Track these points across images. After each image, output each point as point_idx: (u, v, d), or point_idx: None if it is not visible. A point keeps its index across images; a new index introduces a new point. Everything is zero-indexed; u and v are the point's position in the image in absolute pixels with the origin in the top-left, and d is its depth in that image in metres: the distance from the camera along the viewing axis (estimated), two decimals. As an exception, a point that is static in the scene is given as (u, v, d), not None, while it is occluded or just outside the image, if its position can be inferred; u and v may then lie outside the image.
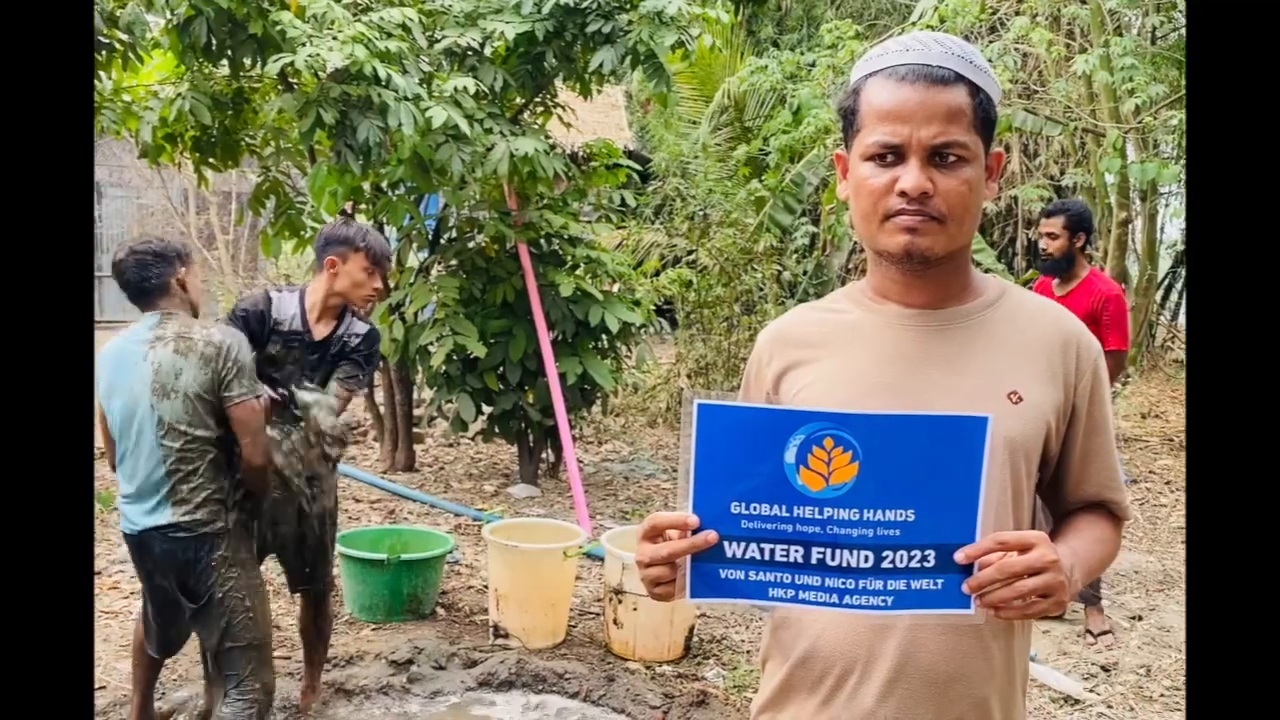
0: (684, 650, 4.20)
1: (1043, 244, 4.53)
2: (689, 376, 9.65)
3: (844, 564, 1.19)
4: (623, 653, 4.17)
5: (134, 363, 2.78)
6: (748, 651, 4.25)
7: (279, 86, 5.97)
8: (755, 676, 3.91)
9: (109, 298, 17.13)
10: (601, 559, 5.37)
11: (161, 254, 2.85)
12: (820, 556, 1.20)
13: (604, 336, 6.91)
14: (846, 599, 1.20)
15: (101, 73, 6.20)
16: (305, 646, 3.55)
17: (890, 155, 1.29)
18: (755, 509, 1.20)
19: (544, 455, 7.24)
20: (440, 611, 4.57)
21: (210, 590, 2.76)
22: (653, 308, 7.60)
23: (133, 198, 15.20)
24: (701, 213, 8.32)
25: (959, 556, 1.17)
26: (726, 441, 1.20)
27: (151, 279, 2.82)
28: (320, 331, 3.30)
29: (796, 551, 1.21)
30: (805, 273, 9.21)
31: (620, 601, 4.16)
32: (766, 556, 1.22)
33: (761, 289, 9.06)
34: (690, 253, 9.79)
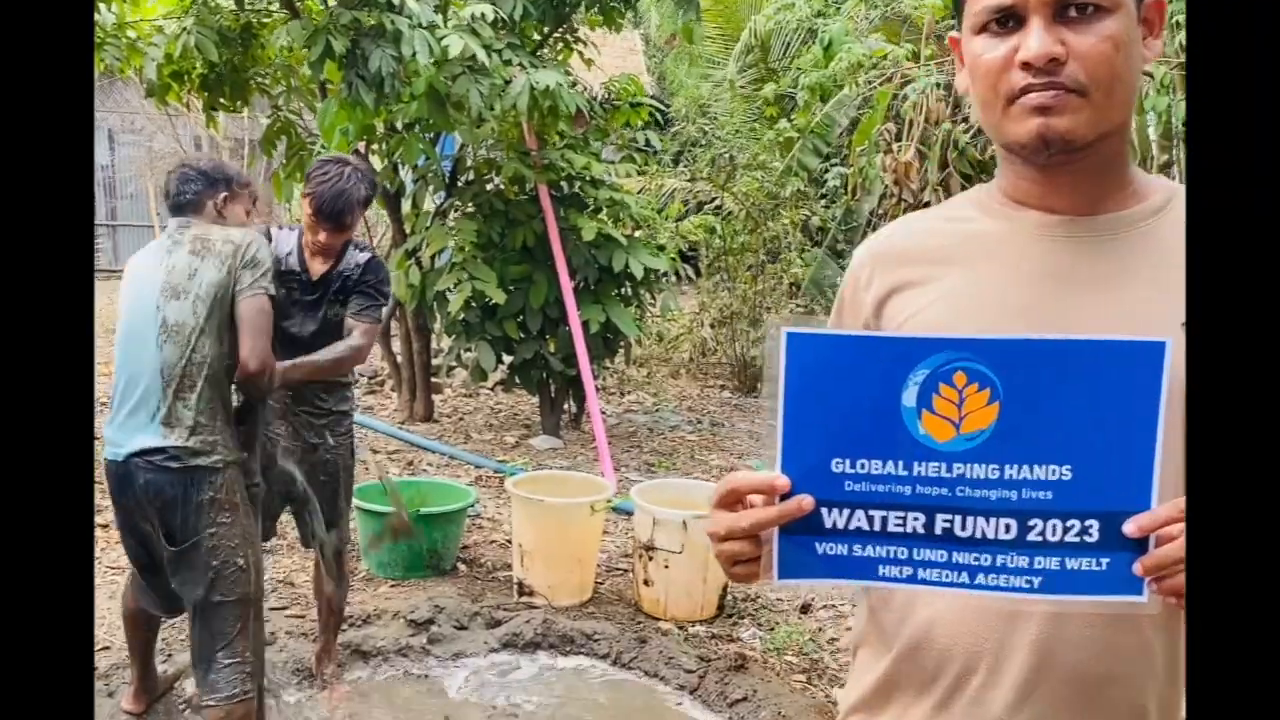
0: (718, 609, 3.99)
1: None
2: (711, 326, 9.39)
3: (978, 535, 0.94)
4: (653, 612, 3.97)
5: (149, 269, 2.58)
6: (784, 611, 4.04)
7: (287, 16, 5.67)
8: (795, 638, 3.70)
9: (123, 245, 16.94)
10: (629, 513, 5.16)
11: (206, 173, 2.70)
12: (947, 525, 0.95)
13: (628, 284, 6.65)
14: (980, 578, 0.95)
15: (102, 5, 5.94)
16: (320, 606, 3.36)
17: (1007, 19, 1.02)
18: (863, 466, 0.95)
19: (566, 406, 7.03)
20: (461, 567, 4.37)
21: (197, 534, 2.49)
22: (677, 254, 7.33)
23: (144, 143, 14.95)
24: (727, 155, 8.00)
25: (1129, 528, 0.91)
26: (825, 381, 0.94)
27: (186, 194, 2.67)
28: (317, 269, 3.05)
29: (916, 520, 0.96)
30: (834, 218, 8.88)
31: (651, 558, 3.94)
32: (877, 526, 0.97)
33: (787, 236, 8.76)
34: (712, 199, 9.48)
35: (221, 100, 6.51)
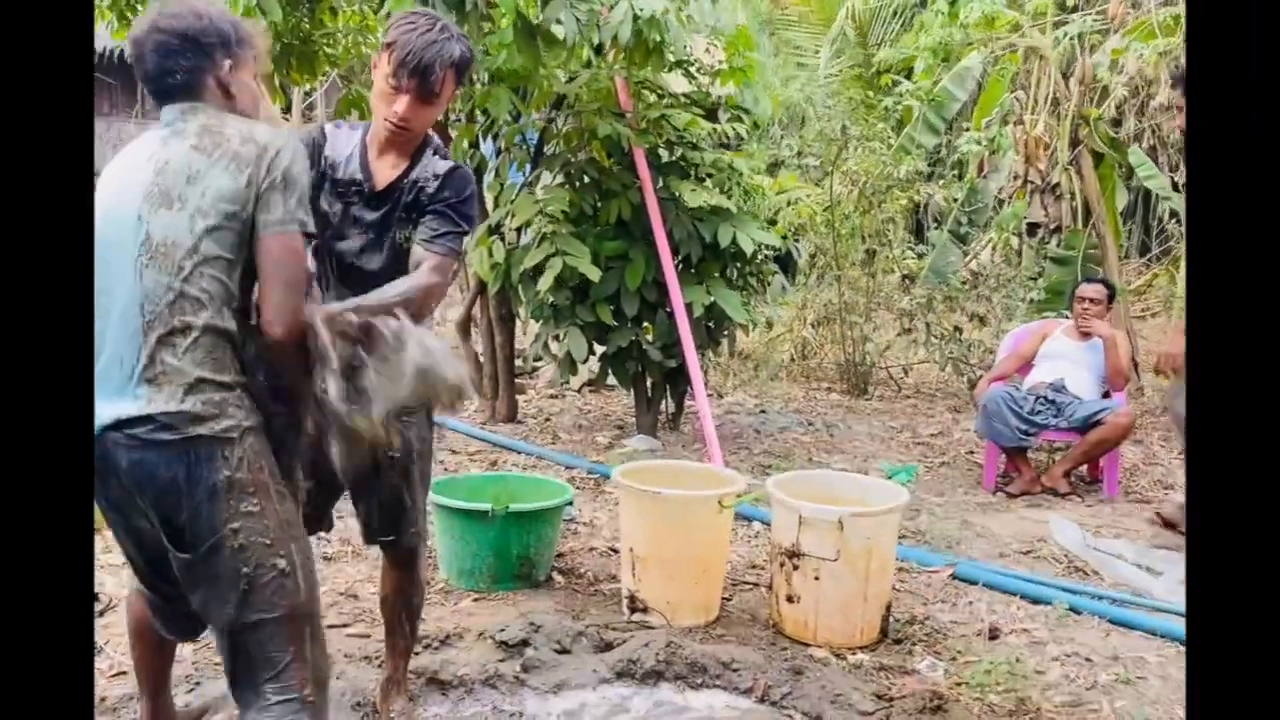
0: (880, 633, 3.18)
1: (1175, 122, 4.21)
2: (813, 325, 8.57)
3: None
4: (798, 635, 3.17)
5: (133, 168, 1.83)
6: (964, 636, 3.20)
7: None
8: (994, 674, 2.86)
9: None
10: (749, 519, 4.38)
11: (193, 37, 1.86)
12: None
13: (735, 264, 5.89)
14: None
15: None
16: (387, 622, 2.62)
17: None
18: None
19: (662, 404, 6.26)
20: (558, 578, 3.63)
21: (215, 533, 1.76)
22: (785, 234, 6.54)
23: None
24: (840, 127, 7.19)
25: None
26: None
27: (176, 73, 1.85)
28: (384, 175, 2.33)
29: None
30: (955, 200, 7.99)
31: (796, 567, 3.14)
32: None
33: (891, 224, 7.88)
34: (806, 198, 8.68)
35: (289, 72, 5.97)
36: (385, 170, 2.33)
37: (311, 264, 2.02)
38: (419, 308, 2.29)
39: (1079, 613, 3.40)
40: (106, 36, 8.59)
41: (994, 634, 3.20)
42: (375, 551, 2.93)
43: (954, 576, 3.72)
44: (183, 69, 1.86)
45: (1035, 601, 3.49)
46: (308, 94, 9.08)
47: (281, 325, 1.76)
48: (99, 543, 3.62)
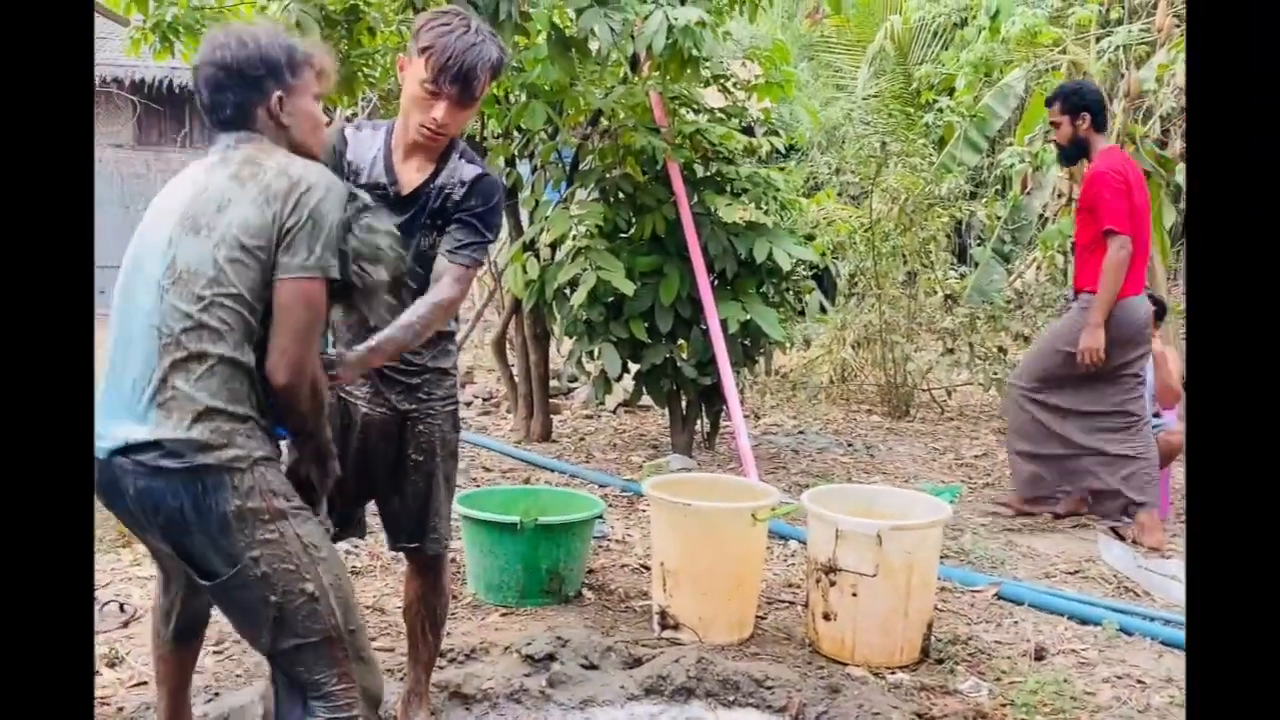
0: (921, 653, 3.06)
1: (1051, 136, 4.64)
2: (853, 347, 8.44)
3: None
4: (835, 654, 3.06)
5: (177, 191, 1.83)
6: (1009, 657, 3.07)
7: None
8: (1041, 694, 2.73)
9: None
10: (785, 538, 4.27)
11: (238, 70, 1.84)
12: None
13: (770, 280, 5.81)
14: None
15: (198, -17, 5.53)
16: (410, 631, 2.56)
17: None
18: None
19: (698, 423, 6.17)
20: (588, 594, 3.55)
21: (236, 563, 1.72)
22: (824, 251, 6.45)
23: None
24: (880, 142, 7.10)
25: None
26: None
27: (226, 106, 1.86)
28: (410, 180, 2.30)
29: None
30: (998, 217, 7.85)
31: (833, 583, 3.04)
32: None
33: (933, 242, 7.75)
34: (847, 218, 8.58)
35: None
36: (411, 174, 2.30)
37: (335, 313, 2.00)
38: (445, 318, 2.27)
39: (1130, 634, 3.26)
40: (154, 65, 8.73)
41: (1040, 654, 3.07)
42: (402, 566, 2.88)
43: (998, 596, 3.59)
44: (231, 102, 1.86)
45: (1084, 622, 3.35)
46: (350, 118, 9.16)
47: (283, 373, 1.74)
48: (127, 555, 3.61)
